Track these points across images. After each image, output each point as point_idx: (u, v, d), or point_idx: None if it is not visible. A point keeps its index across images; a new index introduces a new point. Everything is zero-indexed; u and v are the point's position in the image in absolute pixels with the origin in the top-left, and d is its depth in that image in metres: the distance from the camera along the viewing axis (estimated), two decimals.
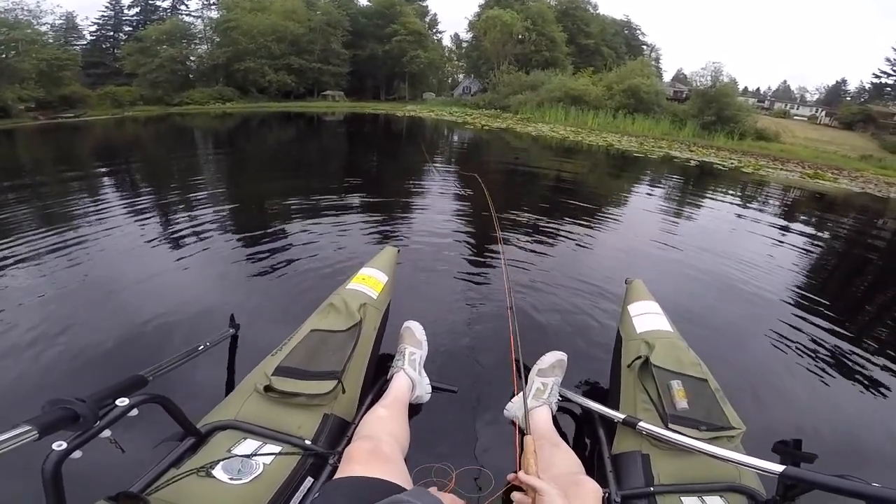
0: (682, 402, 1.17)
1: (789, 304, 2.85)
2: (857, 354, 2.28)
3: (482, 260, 3.08)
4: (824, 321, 2.60)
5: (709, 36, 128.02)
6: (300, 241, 3.24)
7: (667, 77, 44.29)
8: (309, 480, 1.01)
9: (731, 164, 12.54)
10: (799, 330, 2.47)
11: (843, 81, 53.25)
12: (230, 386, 1.59)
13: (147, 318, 2.03)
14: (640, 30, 43.68)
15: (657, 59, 45.79)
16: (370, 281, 1.56)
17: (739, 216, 5.69)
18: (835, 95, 50.58)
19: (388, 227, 3.74)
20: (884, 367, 2.19)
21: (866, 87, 36.83)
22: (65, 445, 0.70)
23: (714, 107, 23.39)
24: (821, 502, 0.90)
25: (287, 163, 8.14)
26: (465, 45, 40.98)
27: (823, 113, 37.15)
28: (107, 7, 38.59)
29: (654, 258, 3.53)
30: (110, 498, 0.76)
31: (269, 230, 3.49)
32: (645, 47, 44.48)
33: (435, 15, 45.00)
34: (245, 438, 1.01)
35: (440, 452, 1.34)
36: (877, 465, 1.54)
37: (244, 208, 4.39)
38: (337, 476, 0.90)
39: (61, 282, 2.40)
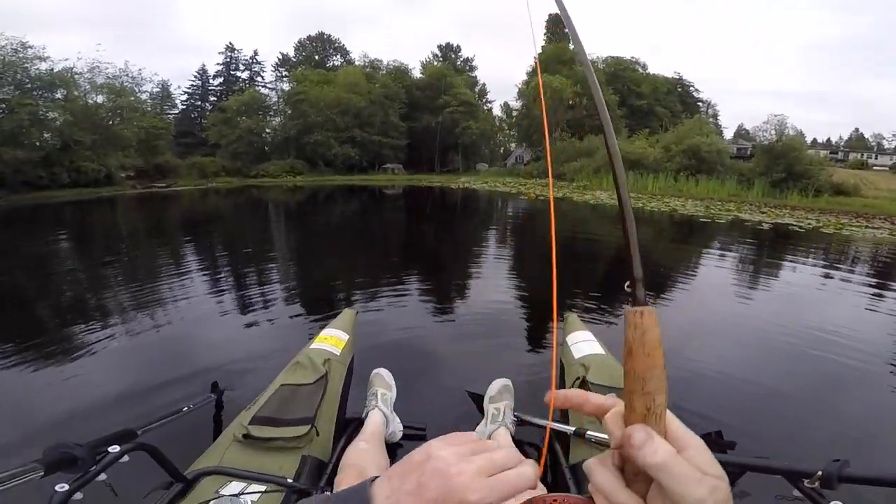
0: None
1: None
2: None
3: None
4: None
5: (766, 90, 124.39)
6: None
7: (727, 134, 42.65)
8: None
9: (809, 224, 11.59)
10: None
11: None
12: None
13: (202, 369, 2.32)
14: (693, 86, 43.47)
15: (715, 116, 45.01)
16: (331, 340, 1.74)
17: (826, 277, 5.35)
18: None
19: (438, 299, 3.90)
20: None
21: None
22: (67, 487, 0.78)
23: (782, 162, 22.12)
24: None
25: (352, 237, 8.51)
26: (515, 113, 41.07)
27: None
28: (195, 76, 43.63)
29: (731, 332, 3.35)
30: None
31: (327, 300, 3.85)
32: (700, 104, 43.98)
33: (484, 85, 47.22)
34: (230, 481, 1.08)
35: None
36: None
37: (308, 278, 4.83)
38: None
39: (136, 339, 2.85)
